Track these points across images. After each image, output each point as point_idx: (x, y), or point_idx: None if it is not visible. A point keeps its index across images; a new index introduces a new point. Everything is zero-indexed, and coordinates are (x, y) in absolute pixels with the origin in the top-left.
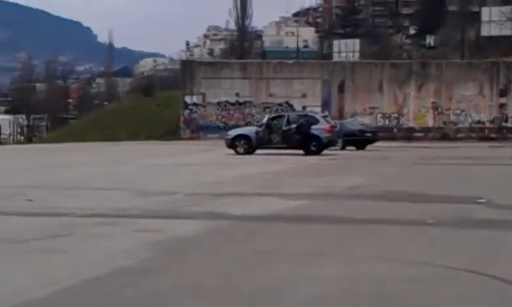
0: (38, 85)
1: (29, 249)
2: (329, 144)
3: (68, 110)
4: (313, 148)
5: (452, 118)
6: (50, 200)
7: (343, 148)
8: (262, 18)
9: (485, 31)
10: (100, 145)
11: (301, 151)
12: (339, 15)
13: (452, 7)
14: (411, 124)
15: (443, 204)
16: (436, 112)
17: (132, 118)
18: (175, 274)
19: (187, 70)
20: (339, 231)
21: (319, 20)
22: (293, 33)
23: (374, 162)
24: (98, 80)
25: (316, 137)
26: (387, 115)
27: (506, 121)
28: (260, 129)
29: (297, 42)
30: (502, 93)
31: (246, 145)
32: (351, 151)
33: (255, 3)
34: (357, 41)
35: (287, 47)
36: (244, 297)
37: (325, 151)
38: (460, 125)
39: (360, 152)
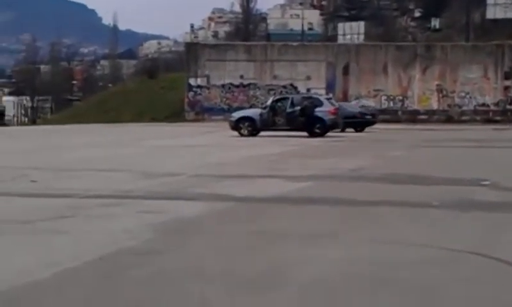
0: (42, 67)
1: (32, 230)
2: (334, 126)
3: (73, 92)
4: (317, 130)
5: (457, 100)
6: (54, 181)
7: (342, 130)
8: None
9: (490, 14)
10: (104, 127)
11: (305, 134)
12: None
13: None
14: (416, 106)
15: (447, 186)
16: (440, 95)
17: (137, 100)
18: (178, 255)
19: (192, 52)
20: (343, 213)
21: (323, 2)
22: (298, 16)
23: (378, 145)
24: (102, 62)
25: (320, 119)
26: (392, 97)
27: (510, 103)
28: (264, 111)
29: (302, 24)
30: (507, 76)
31: (250, 127)
32: (354, 134)
33: None
34: (362, 23)
35: (291, 30)
36: (247, 278)
37: (328, 134)
38: (464, 108)
39: (364, 134)
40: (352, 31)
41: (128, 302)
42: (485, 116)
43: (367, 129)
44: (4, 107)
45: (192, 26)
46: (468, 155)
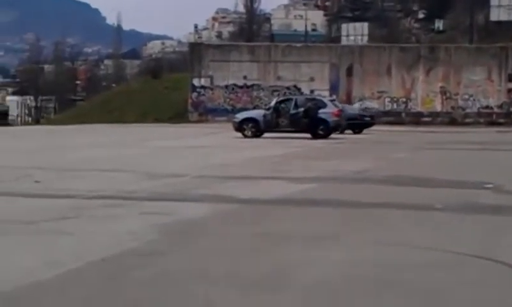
0: (46, 66)
1: (36, 230)
2: (337, 127)
3: (76, 92)
4: (320, 132)
5: (460, 102)
6: (58, 182)
7: (342, 132)
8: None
9: (494, 16)
10: (108, 127)
11: (309, 135)
12: None
13: None
14: (419, 108)
15: (451, 189)
16: (444, 97)
17: (140, 100)
18: (181, 257)
19: (196, 53)
20: (346, 215)
21: (327, 3)
22: (301, 16)
23: (381, 147)
24: (106, 62)
25: (324, 121)
26: (395, 99)
27: None
28: (267, 112)
29: (306, 25)
30: (511, 78)
31: (254, 128)
32: (357, 136)
33: None
34: (365, 24)
35: (295, 30)
36: (251, 280)
37: (332, 135)
38: (468, 110)
39: (367, 136)
40: (356, 32)
41: (131, 303)
42: (489, 119)
43: (366, 131)
44: (8, 106)
45: (196, 26)
46: (472, 157)
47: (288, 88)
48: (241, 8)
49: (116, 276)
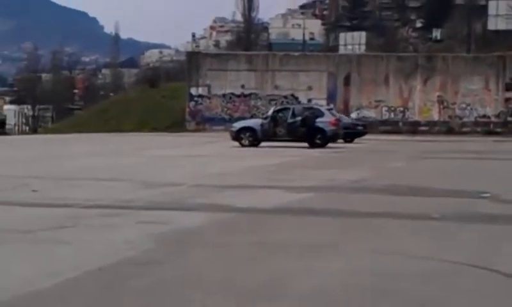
0: (43, 75)
1: (33, 239)
2: (334, 137)
3: (74, 101)
4: (318, 141)
5: (458, 112)
6: (55, 191)
7: (334, 141)
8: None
9: (492, 25)
10: (106, 136)
11: (306, 144)
12: (345, 7)
13: (459, 1)
14: (417, 118)
15: (447, 198)
16: (441, 106)
17: (138, 109)
18: (178, 266)
19: (193, 62)
20: (343, 224)
21: (325, 12)
22: (299, 25)
23: (378, 156)
24: (104, 71)
25: (321, 130)
26: (393, 108)
27: (511, 115)
28: (265, 121)
29: (304, 34)
30: (508, 87)
31: (251, 137)
32: (355, 145)
33: None
34: (363, 33)
35: (293, 39)
36: (247, 289)
37: (329, 144)
38: (465, 119)
39: (365, 146)
40: (353, 41)
41: None
42: (486, 128)
43: (362, 140)
44: (5, 115)
45: (193, 35)
46: (469, 166)
47: (285, 97)
48: (239, 17)
49: (113, 285)
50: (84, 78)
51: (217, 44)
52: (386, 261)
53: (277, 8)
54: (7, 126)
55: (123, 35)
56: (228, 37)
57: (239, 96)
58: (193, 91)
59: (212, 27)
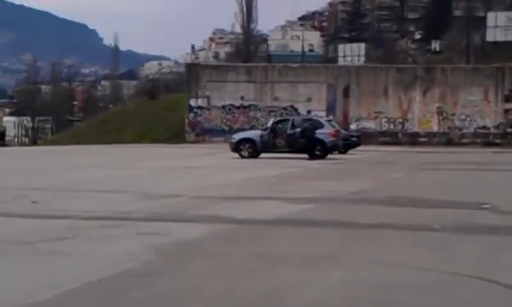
0: (43, 87)
1: (33, 251)
2: (334, 148)
3: (73, 113)
4: (317, 152)
5: (457, 123)
6: (55, 202)
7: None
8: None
9: (490, 36)
10: (105, 148)
11: (306, 156)
12: (345, 19)
13: (457, 13)
14: (416, 129)
15: (447, 209)
16: (440, 117)
17: (137, 120)
18: (178, 278)
19: (192, 73)
20: (343, 236)
21: (324, 24)
22: (298, 37)
23: (378, 167)
24: (103, 82)
25: (321, 141)
26: (392, 120)
27: (511, 126)
28: (264, 133)
29: (303, 46)
30: (507, 99)
31: (251, 149)
32: (354, 156)
33: (261, 7)
34: (362, 45)
35: (292, 51)
36: (247, 301)
37: (329, 156)
38: (465, 130)
39: (365, 157)
40: (352, 53)
41: None
42: (485, 139)
43: (352, 151)
44: (5, 127)
45: (193, 47)
46: (468, 178)
47: (285, 108)
48: (238, 29)
49: (113, 297)
50: (84, 90)
51: (216, 56)
52: (386, 273)
53: (276, 20)
54: (6, 138)
55: (123, 47)
56: (228, 49)
57: (238, 107)
58: (193, 102)
59: (211, 39)
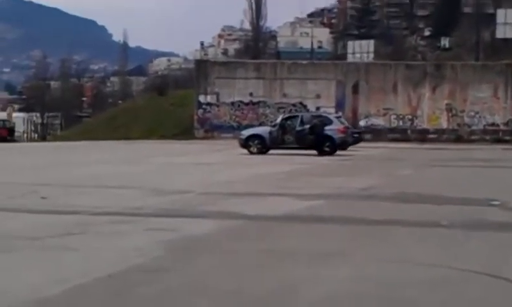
0: (52, 83)
1: (42, 246)
2: (343, 144)
3: (82, 109)
4: (326, 149)
5: (466, 119)
6: (64, 198)
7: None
8: (276, 18)
9: (500, 33)
10: (114, 144)
11: (315, 152)
12: (354, 16)
13: (467, 9)
14: (425, 125)
15: (456, 206)
16: (450, 114)
17: (146, 116)
18: (187, 273)
19: (201, 70)
20: (352, 232)
21: (333, 20)
22: (307, 34)
23: (387, 164)
24: (112, 78)
25: (330, 138)
26: (401, 116)
27: None
28: (273, 129)
29: (312, 43)
30: None
31: (260, 145)
32: (363, 153)
33: (270, 4)
34: (371, 42)
35: (301, 48)
36: (256, 297)
37: (338, 152)
38: (474, 127)
39: (374, 153)
40: (361, 50)
41: None
42: (495, 136)
43: (353, 147)
44: (14, 123)
45: (202, 43)
46: (478, 174)
47: (294, 105)
48: (247, 26)
49: (122, 292)
50: (93, 86)
51: (225, 52)
52: (394, 269)
53: (285, 17)
54: (16, 134)
55: (132, 43)
56: (236, 45)
57: (247, 104)
58: (201, 98)
59: (220, 36)
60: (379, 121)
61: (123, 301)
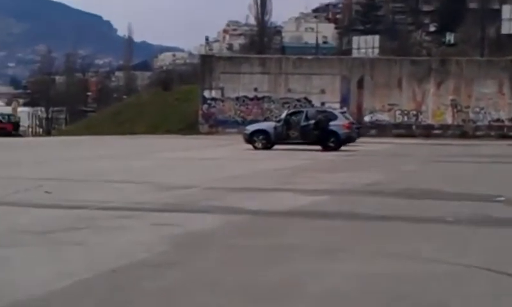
0: (57, 78)
1: (46, 240)
2: (348, 140)
3: (87, 103)
4: (331, 144)
5: (471, 115)
6: (69, 193)
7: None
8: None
9: (505, 29)
10: (119, 138)
11: (319, 147)
12: (359, 11)
13: (472, 5)
14: (430, 121)
15: (461, 202)
16: (455, 110)
17: (151, 111)
18: (191, 268)
19: (206, 65)
20: (357, 228)
21: (338, 16)
22: (312, 29)
23: (392, 159)
24: (117, 73)
25: (334, 133)
26: (406, 112)
27: None
28: (278, 124)
29: (317, 38)
30: None
31: (264, 140)
32: (368, 148)
33: None
34: (376, 37)
35: (306, 43)
36: (260, 292)
37: (343, 148)
38: (479, 123)
39: (379, 149)
40: (366, 45)
41: None
42: (500, 132)
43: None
44: (19, 117)
45: (207, 38)
46: (483, 170)
47: (299, 100)
48: (252, 21)
49: (127, 287)
50: (98, 81)
51: (230, 47)
52: (398, 264)
53: (290, 12)
54: (21, 128)
55: (137, 38)
56: (242, 40)
57: (252, 99)
58: (206, 93)
59: (225, 31)
60: (384, 117)
61: (127, 295)
